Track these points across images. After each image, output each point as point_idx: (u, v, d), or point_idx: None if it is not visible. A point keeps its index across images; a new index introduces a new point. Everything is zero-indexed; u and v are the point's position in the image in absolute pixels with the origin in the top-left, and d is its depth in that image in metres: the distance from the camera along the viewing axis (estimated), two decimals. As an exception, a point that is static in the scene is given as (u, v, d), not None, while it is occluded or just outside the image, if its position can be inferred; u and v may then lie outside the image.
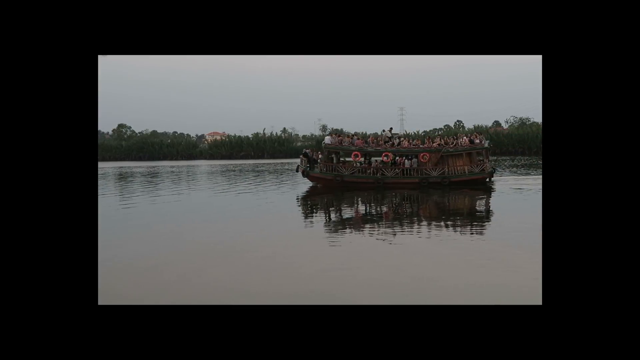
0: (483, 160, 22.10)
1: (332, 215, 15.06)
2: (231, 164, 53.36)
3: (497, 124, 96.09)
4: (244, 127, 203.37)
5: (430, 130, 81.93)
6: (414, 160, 22.11)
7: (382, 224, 13.03)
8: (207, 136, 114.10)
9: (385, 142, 23.17)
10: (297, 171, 24.45)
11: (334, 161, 23.13)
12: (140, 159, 78.80)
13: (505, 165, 37.94)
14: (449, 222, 13.03)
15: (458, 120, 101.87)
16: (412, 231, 11.79)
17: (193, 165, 53.03)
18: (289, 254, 9.53)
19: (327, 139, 23.51)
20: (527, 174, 29.37)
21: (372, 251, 9.65)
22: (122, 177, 34.30)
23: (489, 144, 22.92)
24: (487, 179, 22.05)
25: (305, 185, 23.69)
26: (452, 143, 22.73)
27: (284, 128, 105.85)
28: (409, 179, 21.74)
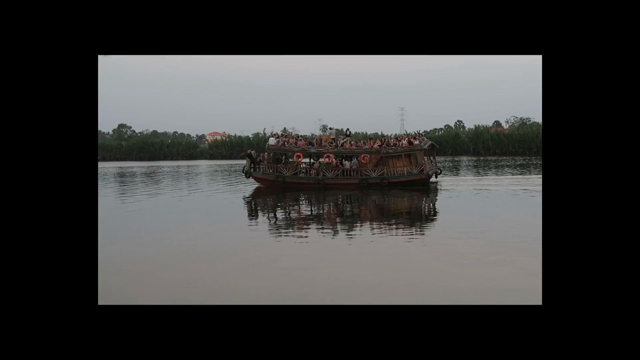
0: (425, 161, 22.25)
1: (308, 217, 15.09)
2: (230, 164, 53.33)
3: (497, 124, 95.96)
4: (245, 127, 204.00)
5: (430, 130, 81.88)
6: (354, 161, 22.26)
7: (361, 226, 13.04)
8: (207, 136, 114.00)
9: (329, 143, 23.31)
10: (242, 171, 24.59)
11: (280, 162, 23.23)
12: (140, 159, 78.68)
13: (467, 166, 38.04)
14: (416, 223, 13.04)
15: (458, 120, 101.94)
16: (399, 231, 11.81)
17: (192, 166, 53.01)
18: (281, 255, 9.55)
19: (272, 140, 23.62)
20: (469, 174, 29.96)
21: (368, 252, 9.65)
22: (121, 177, 34.31)
23: (429, 146, 23.21)
24: (428, 180, 22.22)
25: (251, 186, 23.70)
26: (393, 144, 23.01)
27: (284, 128, 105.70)
28: (349, 180, 21.93)
